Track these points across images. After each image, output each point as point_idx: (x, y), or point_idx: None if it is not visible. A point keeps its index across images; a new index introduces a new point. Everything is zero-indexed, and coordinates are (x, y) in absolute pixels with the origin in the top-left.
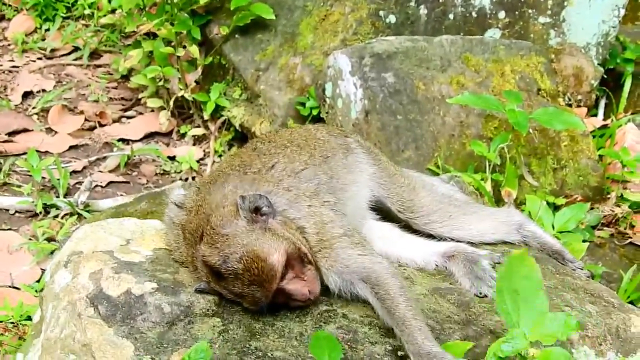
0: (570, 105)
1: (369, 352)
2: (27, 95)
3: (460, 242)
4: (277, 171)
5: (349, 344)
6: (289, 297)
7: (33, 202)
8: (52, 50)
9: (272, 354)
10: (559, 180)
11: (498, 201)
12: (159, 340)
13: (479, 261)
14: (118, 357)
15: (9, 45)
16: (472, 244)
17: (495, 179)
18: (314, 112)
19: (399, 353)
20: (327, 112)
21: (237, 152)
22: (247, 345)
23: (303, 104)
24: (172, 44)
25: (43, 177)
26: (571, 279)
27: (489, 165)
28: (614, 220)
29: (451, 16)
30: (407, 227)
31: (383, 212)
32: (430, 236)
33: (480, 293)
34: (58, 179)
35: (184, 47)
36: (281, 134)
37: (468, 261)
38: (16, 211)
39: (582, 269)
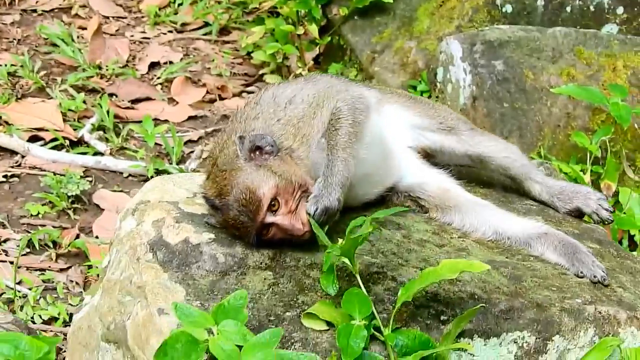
0: None
1: (413, 314)
2: (154, 65)
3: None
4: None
5: (393, 305)
6: (285, 232)
7: (145, 166)
8: (183, 25)
9: None
10: None
11: None
12: (210, 288)
13: (579, 245)
14: (169, 300)
15: (142, 17)
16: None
17: (596, 171)
18: (424, 96)
19: (442, 317)
20: (437, 97)
21: None
22: (295, 299)
23: (414, 87)
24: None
25: (159, 144)
26: (631, 262)
27: (590, 156)
28: None
29: (568, 9)
30: None
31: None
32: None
33: (581, 273)
34: (172, 147)
35: (304, 25)
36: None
37: (568, 245)
38: (129, 174)
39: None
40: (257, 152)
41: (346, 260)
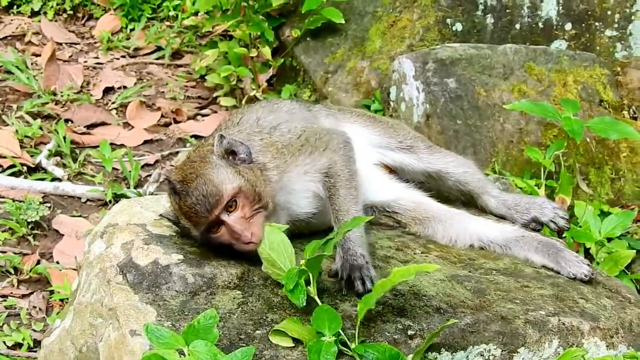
0: (635, 119)
1: (380, 329)
2: (108, 90)
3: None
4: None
5: (362, 320)
6: (232, 235)
7: (103, 191)
8: (136, 49)
9: None
10: (616, 190)
11: None
12: (181, 308)
13: (557, 244)
14: (140, 321)
15: (95, 43)
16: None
17: (550, 185)
18: (378, 115)
19: (409, 332)
20: (390, 115)
21: None
22: (264, 317)
23: (368, 107)
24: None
25: (116, 169)
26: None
27: (544, 171)
28: None
29: (517, 26)
30: None
31: None
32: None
33: (572, 274)
34: (130, 171)
35: (257, 48)
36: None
37: (548, 244)
38: (87, 199)
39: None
40: (231, 157)
41: (302, 282)
